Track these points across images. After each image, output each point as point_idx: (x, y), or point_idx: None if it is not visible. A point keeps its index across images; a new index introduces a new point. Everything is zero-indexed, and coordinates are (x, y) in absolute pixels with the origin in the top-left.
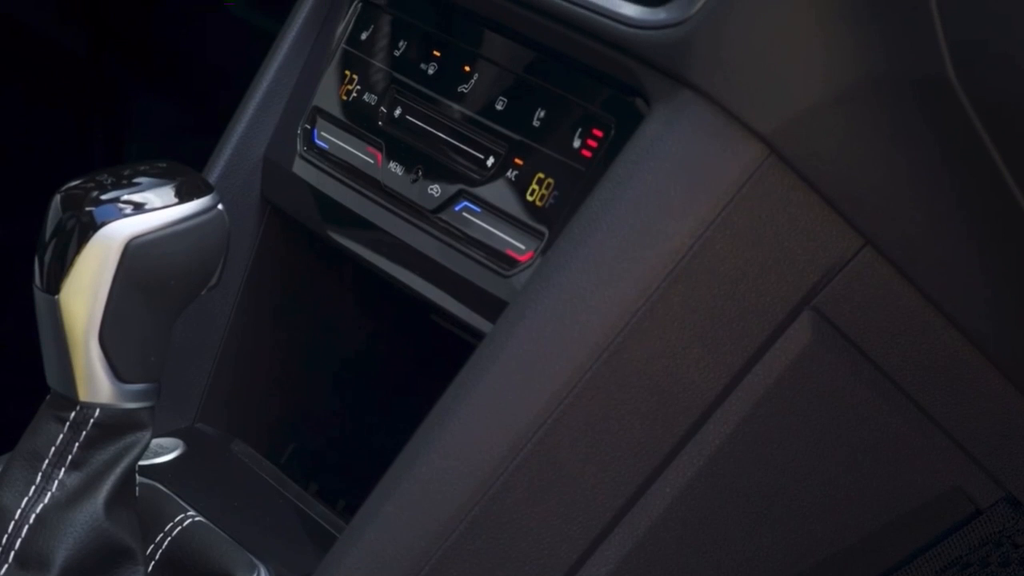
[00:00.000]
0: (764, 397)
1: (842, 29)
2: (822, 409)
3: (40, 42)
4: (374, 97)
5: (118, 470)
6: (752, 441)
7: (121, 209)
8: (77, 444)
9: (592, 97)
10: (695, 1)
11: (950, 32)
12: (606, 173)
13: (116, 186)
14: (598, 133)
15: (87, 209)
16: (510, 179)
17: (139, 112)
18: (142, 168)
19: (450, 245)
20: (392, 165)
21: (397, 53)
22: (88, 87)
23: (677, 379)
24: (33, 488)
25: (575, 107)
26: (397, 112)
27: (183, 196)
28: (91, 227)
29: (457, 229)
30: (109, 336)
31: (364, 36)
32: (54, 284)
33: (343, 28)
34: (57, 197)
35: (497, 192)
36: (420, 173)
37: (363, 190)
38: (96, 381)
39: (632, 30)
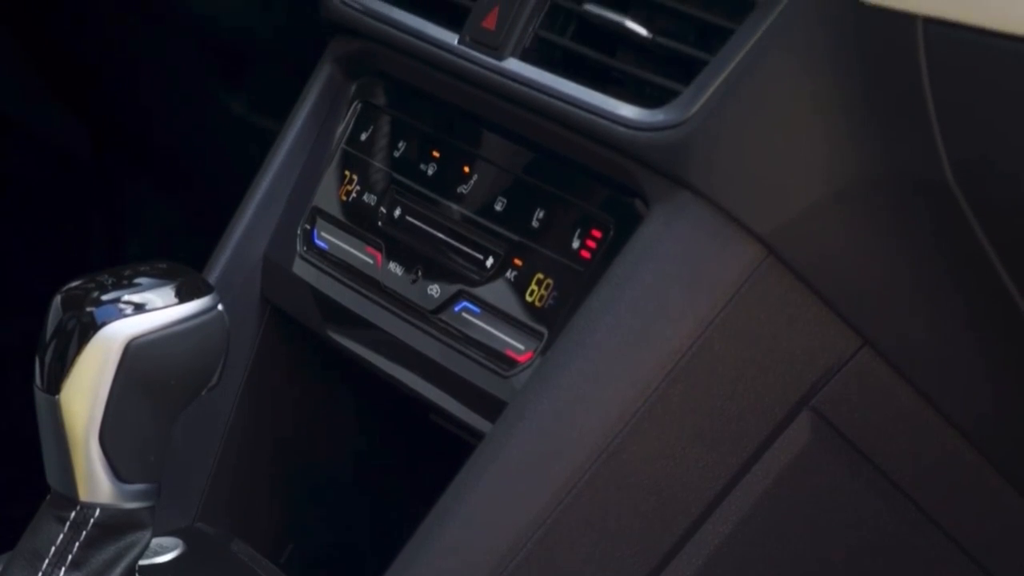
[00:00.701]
0: (763, 497)
1: (841, 131)
2: (821, 509)
3: (40, 142)
4: (374, 197)
5: (118, 570)
6: (751, 541)
7: (122, 309)
8: (77, 544)
9: (591, 198)
10: (693, 103)
11: (948, 136)
12: (605, 274)
13: (117, 286)
14: (597, 234)
15: (88, 309)
16: (509, 279)
17: (140, 211)
18: (142, 268)
19: (449, 345)
20: (392, 265)
21: (397, 154)
22: (89, 186)
23: (676, 479)
24: None
25: (574, 208)
26: (397, 212)
27: (183, 296)
28: (92, 327)
29: (456, 330)
30: (109, 436)
31: (364, 137)
32: (54, 384)
33: (343, 128)
34: (58, 297)
35: (496, 292)
36: (420, 273)
37: (363, 290)
38: (96, 481)
39: (630, 131)
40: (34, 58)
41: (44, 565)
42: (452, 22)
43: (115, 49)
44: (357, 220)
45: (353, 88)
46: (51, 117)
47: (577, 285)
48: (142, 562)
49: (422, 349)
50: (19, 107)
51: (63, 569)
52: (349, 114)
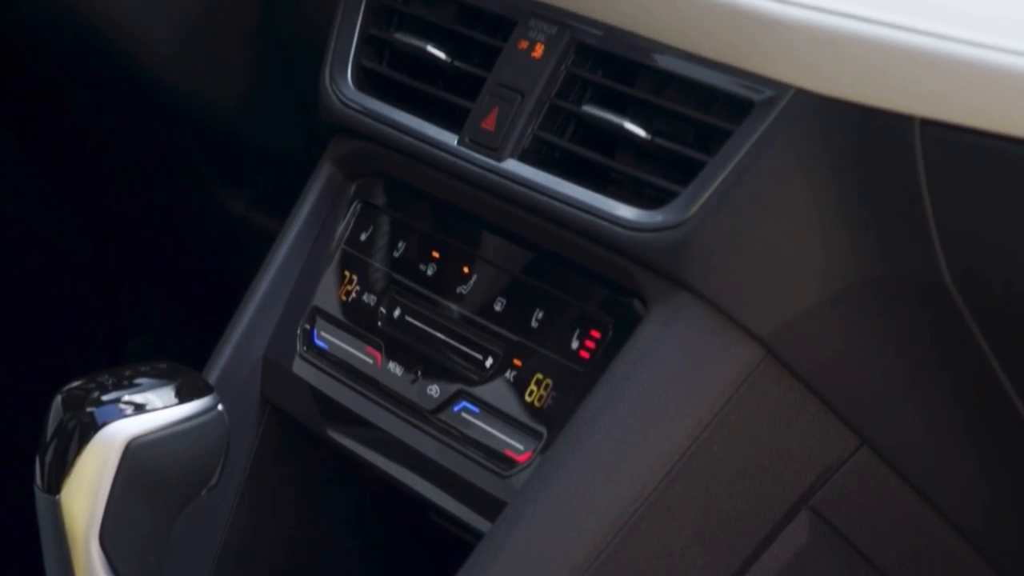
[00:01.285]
0: None
1: (840, 232)
2: None
3: (41, 239)
4: (373, 297)
5: None
6: None
7: (122, 410)
8: None
9: (590, 298)
10: (691, 204)
11: (947, 238)
12: (604, 374)
13: (117, 387)
14: (596, 334)
15: (88, 410)
16: (509, 380)
17: (140, 309)
18: (143, 369)
19: (449, 445)
20: (391, 365)
21: (396, 254)
22: (89, 284)
23: None
24: None
25: (573, 308)
26: (396, 312)
27: (183, 397)
28: (92, 428)
29: (456, 430)
30: (110, 536)
31: (364, 237)
32: (55, 484)
33: (343, 228)
34: (58, 397)
35: (496, 393)
36: (419, 373)
37: (362, 390)
38: None
39: (628, 232)
40: (36, 156)
41: None
42: (451, 123)
43: (116, 147)
44: (357, 320)
45: (353, 188)
46: (52, 215)
47: (576, 385)
48: None
49: (421, 449)
50: (20, 205)
51: None
52: (349, 214)
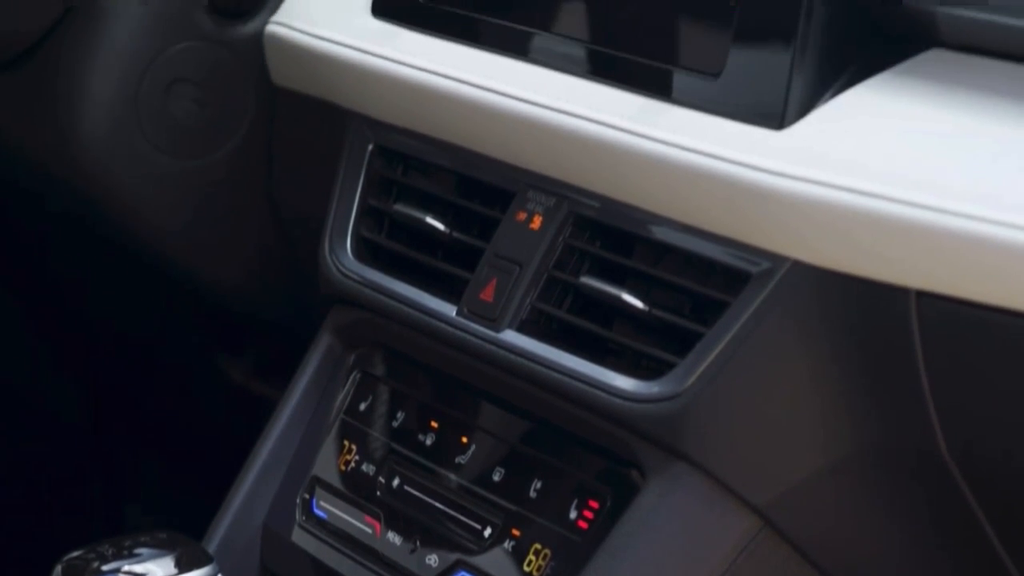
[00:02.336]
0: None
1: (837, 403)
2: None
3: (40, 408)
4: (372, 467)
5: None
6: None
7: None
8: None
9: (588, 468)
10: (689, 375)
11: (943, 410)
12: (602, 544)
13: (117, 556)
14: (594, 504)
15: None
16: (507, 550)
17: (139, 477)
18: (142, 539)
19: None
20: (390, 535)
21: (395, 423)
22: (88, 451)
23: None
24: None
25: (571, 478)
26: (395, 482)
27: (183, 567)
28: None
29: None
30: None
31: (363, 406)
32: None
33: (342, 398)
34: (58, 568)
35: (495, 562)
36: (418, 543)
37: (362, 560)
38: None
39: (626, 403)
40: (38, 323)
41: None
42: (450, 293)
43: (117, 316)
44: (356, 489)
45: (352, 358)
46: (51, 380)
47: (574, 555)
48: None
49: None
50: (20, 374)
51: None
52: (348, 384)
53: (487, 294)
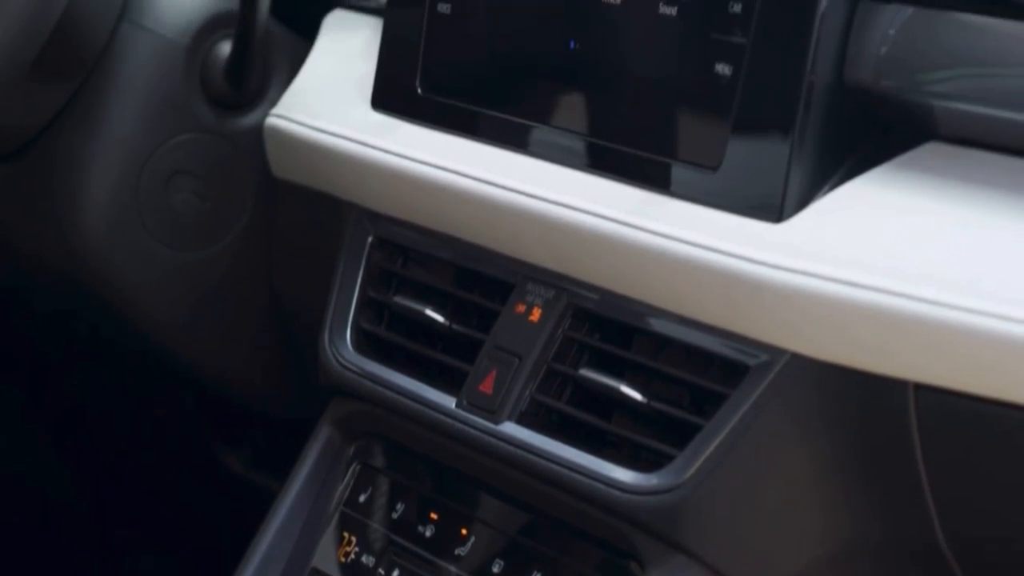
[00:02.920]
0: None
1: (836, 495)
2: None
3: (38, 495)
4: (372, 559)
5: None
6: None
7: None
8: None
9: (587, 560)
10: (687, 467)
11: (941, 501)
12: None
13: None
14: None
15: None
16: None
17: (137, 567)
18: None
19: None
20: None
21: (395, 515)
22: (85, 541)
23: None
24: None
25: (570, 570)
26: (395, 574)
27: None
28: None
29: None
30: None
31: (362, 498)
32: None
33: (342, 490)
34: None
35: None
36: None
37: None
38: None
39: (625, 495)
40: (38, 413)
41: None
42: (450, 385)
43: (117, 408)
44: None
45: (352, 450)
46: (51, 473)
47: None
48: None
49: None
50: (20, 462)
51: None
52: (348, 475)
53: (487, 386)
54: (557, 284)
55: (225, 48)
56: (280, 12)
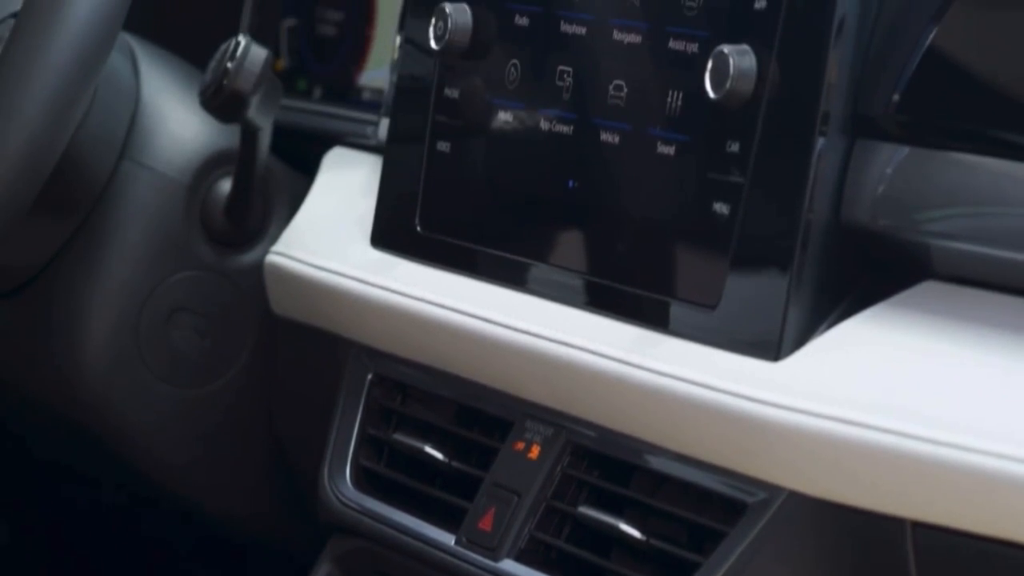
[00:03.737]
0: None
1: None
2: None
3: None
4: None
5: None
6: None
7: None
8: None
9: None
10: None
11: None
12: None
13: None
14: None
15: None
16: None
17: None
18: None
19: None
20: None
21: None
22: None
23: None
24: None
25: None
26: None
27: None
28: None
29: None
30: None
31: None
32: None
33: None
34: None
35: None
36: None
37: None
38: None
39: None
40: (35, 552)
41: None
42: (449, 522)
43: (114, 542)
44: None
45: None
46: None
47: None
48: None
49: None
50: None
51: None
52: None
53: (486, 523)
54: (556, 422)
55: (225, 186)
56: (280, 150)
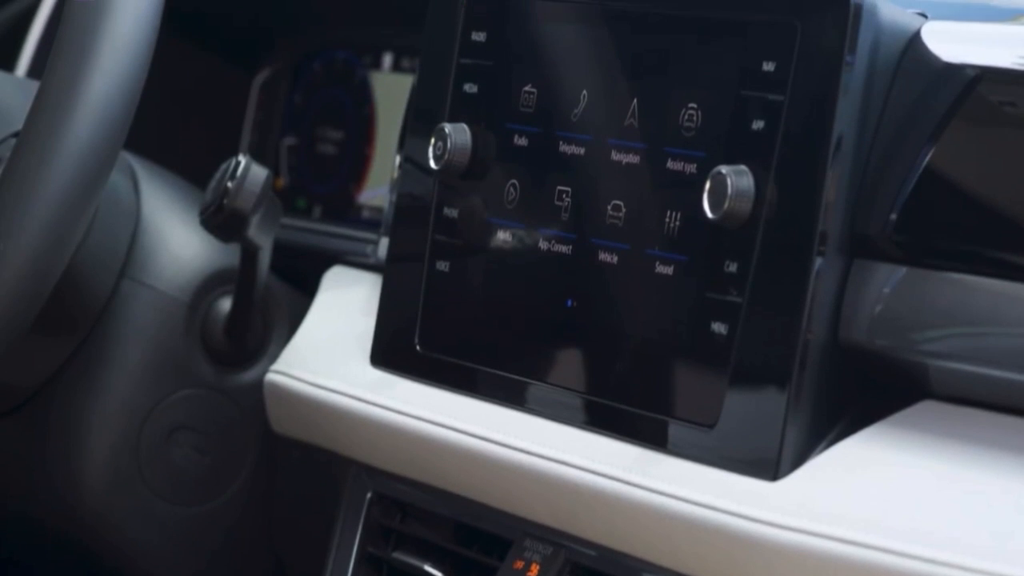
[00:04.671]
0: None
1: None
2: None
3: None
4: None
5: None
6: None
7: None
8: None
9: None
10: None
11: None
12: None
13: None
14: None
15: None
16: None
17: None
18: None
19: None
20: None
21: None
22: None
23: None
24: None
25: None
26: None
27: None
28: None
29: None
30: None
31: None
32: None
33: None
34: None
35: None
36: None
37: None
38: None
39: None
40: None
41: None
42: None
43: None
44: None
45: None
46: None
47: None
48: None
49: None
50: None
51: None
52: None
53: None
54: (555, 540)
55: (225, 304)
56: (280, 268)
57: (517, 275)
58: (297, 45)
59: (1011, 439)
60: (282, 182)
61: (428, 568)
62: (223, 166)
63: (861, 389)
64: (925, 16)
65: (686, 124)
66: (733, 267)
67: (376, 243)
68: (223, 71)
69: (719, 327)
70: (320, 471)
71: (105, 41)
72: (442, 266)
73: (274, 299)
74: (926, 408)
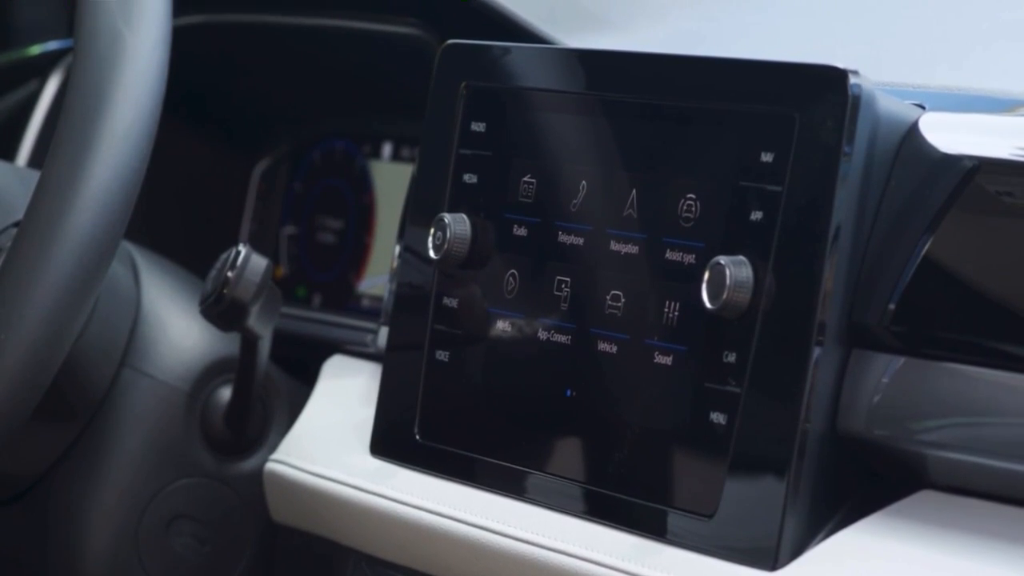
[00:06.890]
0: None
1: None
2: None
3: None
4: None
5: None
6: None
7: None
8: None
9: None
10: None
11: None
12: None
13: None
14: None
15: None
16: None
17: None
18: None
19: None
20: None
21: None
22: None
23: None
24: None
25: None
26: None
27: None
28: None
29: None
30: None
31: None
32: None
33: None
34: None
35: None
36: None
37: None
38: None
39: None
40: None
41: None
42: None
43: None
44: None
45: None
46: None
47: None
48: None
49: None
50: None
51: None
52: None
53: None
54: None
55: (225, 393)
56: (280, 357)
57: (517, 365)
58: (297, 134)
59: (1010, 530)
60: (282, 271)
61: None
62: (223, 255)
63: (860, 479)
64: (923, 107)
65: (685, 215)
66: (732, 357)
67: (376, 332)
68: (223, 160)
69: (718, 417)
70: (320, 560)
71: (106, 131)
72: (442, 355)
73: (274, 388)
74: (925, 498)
